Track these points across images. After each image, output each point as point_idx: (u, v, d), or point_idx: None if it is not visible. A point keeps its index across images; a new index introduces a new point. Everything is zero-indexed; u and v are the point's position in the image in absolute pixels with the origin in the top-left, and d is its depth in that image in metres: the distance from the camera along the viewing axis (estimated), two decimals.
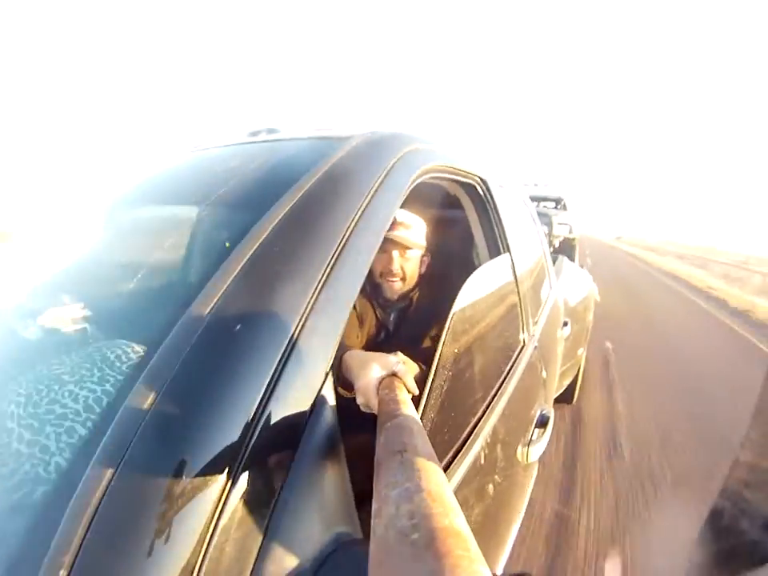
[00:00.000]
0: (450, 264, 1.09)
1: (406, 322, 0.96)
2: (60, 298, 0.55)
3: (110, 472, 0.29)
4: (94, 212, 0.76)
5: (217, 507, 0.30)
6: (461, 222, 1.10)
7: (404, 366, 0.50)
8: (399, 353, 0.56)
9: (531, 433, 0.92)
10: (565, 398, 2.16)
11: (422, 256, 0.98)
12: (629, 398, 2.57)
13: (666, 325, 4.69)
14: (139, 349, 0.46)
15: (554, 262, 2.03)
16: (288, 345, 0.37)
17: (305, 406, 0.37)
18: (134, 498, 0.29)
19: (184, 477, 0.29)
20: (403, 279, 0.93)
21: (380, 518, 0.22)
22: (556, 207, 8.97)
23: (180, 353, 0.35)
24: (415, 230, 0.92)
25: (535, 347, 1.10)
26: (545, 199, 9.03)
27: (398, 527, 0.20)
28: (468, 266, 0.56)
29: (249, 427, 0.33)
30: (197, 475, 0.29)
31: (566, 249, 6.78)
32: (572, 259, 3.92)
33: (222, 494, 0.30)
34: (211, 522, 0.29)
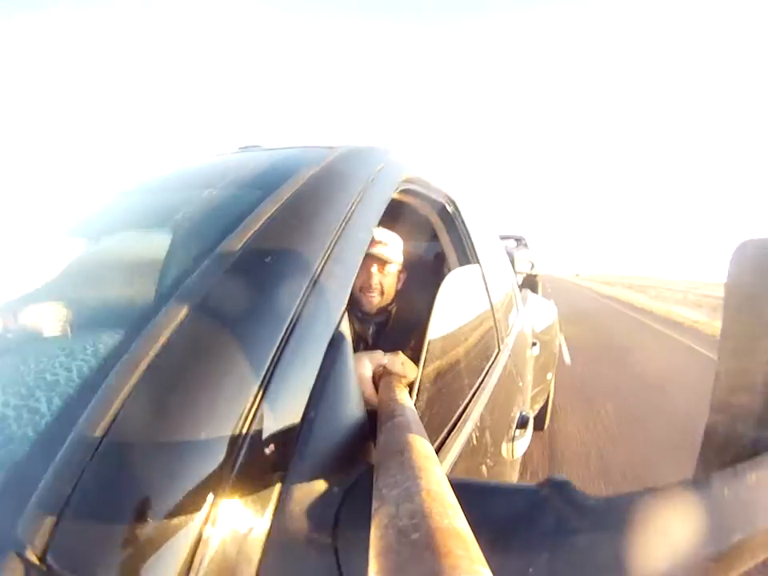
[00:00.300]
0: (423, 279, 1.12)
1: (384, 335, 0.98)
2: (41, 298, 0.57)
3: (102, 426, 0.28)
4: (85, 213, 0.78)
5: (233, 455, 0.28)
6: (432, 238, 1.14)
7: (395, 358, 0.53)
8: (400, 353, 0.57)
9: (514, 431, 0.96)
10: (536, 424, 2.10)
11: (399, 272, 1.01)
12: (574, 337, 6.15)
13: (599, 318, 9.71)
14: (111, 337, 0.45)
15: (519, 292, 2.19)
16: (275, 356, 0.35)
17: (295, 419, 0.34)
18: (128, 452, 0.27)
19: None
20: (382, 294, 0.96)
21: (380, 518, 0.22)
22: (517, 246, 9.39)
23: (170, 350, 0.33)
24: (393, 246, 0.95)
25: (509, 355, 1.13)
26: (506, 238, 9.51)
27: (398, 527, 0.20)
28: (440, 280, 0.57)
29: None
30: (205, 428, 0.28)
31: (529, 285, 7.17)
32: (535, 293, 4.37)
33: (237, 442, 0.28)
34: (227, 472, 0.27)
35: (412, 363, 0.57)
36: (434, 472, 0.25)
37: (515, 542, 0.25)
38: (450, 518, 0.20)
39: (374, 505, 0.24)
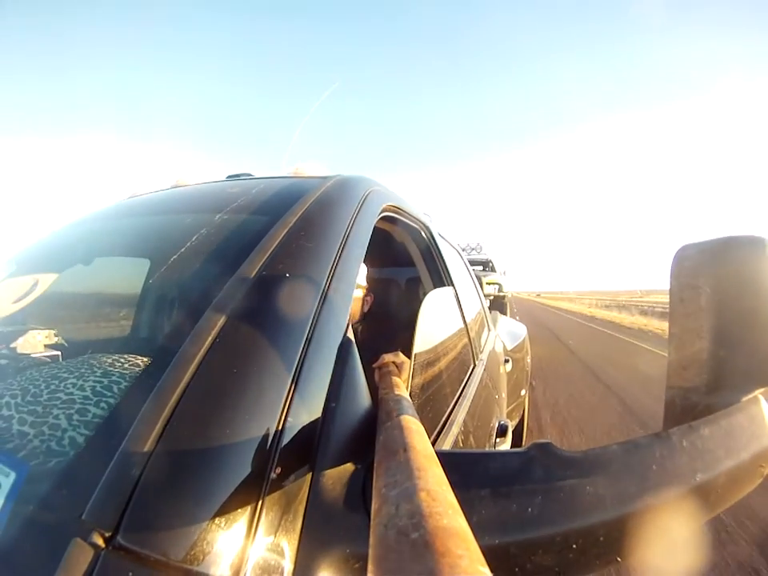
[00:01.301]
0: (398, 301, 1.17)
1: None
2: (31, 325, 0.58)
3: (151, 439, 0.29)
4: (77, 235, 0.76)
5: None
6: (408, 263, 1.19)
7: (395, 357, 0.56)
8: (400, 353, 0.59)
9: (495, 439, 1.03)
10: (514, 440, 2.18)
11: (364, 296, 1.05)
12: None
13: (548, 322, 13.44)
14: (135, 358, 0.47)
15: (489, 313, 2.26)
16: (299, 360, 0.38)
17: (318, 410, 0.38)
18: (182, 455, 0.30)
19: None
20: None
21: (380, 518, 0.22)
22: (484, 270, 9.70)
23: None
24: None
25: (484, 369, 1.21)
26: (474, 263, 9.77)
27: (398, 526, 0.20)
28: (415, 302, 0.63)
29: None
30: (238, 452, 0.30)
31: (497, 306, 7.43)
32: (504, 314, 4.57)
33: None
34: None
35: (407, 364, 0.59)
36: (433, 472, 0.25)
37: (514, 491, 0.29)
38: (449, 517, 0.20)
39: (374, 505, 0.24)
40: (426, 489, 0.23)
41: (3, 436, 0.39)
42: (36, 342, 0.56)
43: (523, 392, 2.41)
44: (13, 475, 0.35)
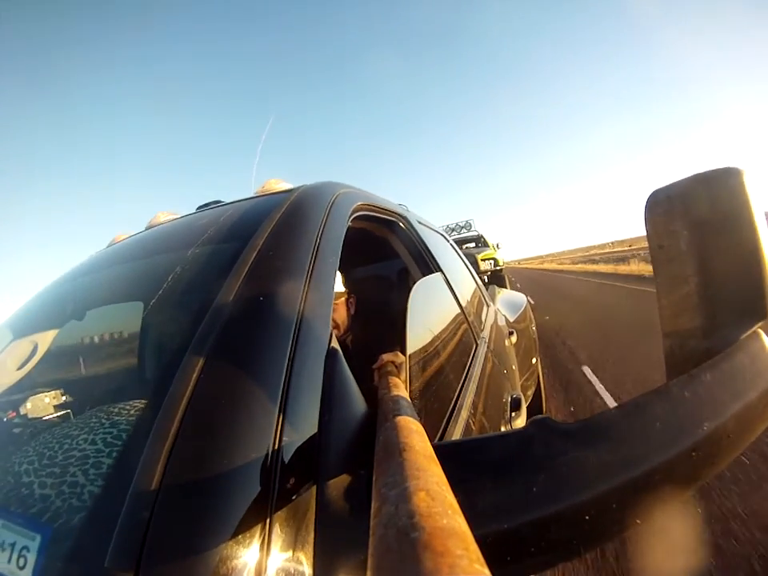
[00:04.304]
0: (391, 297, 1.17)
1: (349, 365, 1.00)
2: (38, 389, 0.59)
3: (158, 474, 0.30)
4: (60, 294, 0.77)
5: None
6: (393, 256, 1.18)
7: (395, 357, 0.55)
8: (398, 352, 0.59)
9: (509, 413, 1.03)
10: (534, 409, 2.18)
11: (347, 300, 1.05)
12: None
13: (555, 284, 15.78)
14: (139, 403, 0.47)
15: (486, 289, 2.26)
16: (285, 377, 0.38)
17: (314, 423, 0.38)
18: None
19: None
20: (336, 328, 0.98)
21: (379, 518, 0.22)
22: (477, 246, 9.62)
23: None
24: None
25: (488, 347, 1.20)
26: (465, 240, 9.69)
27: (397, 526, 0.20)
28: (406, 294, 0.61)
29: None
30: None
31: (496, 280, 7.43)
32: (503, 286, 4.45)
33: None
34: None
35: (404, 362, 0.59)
36: (432, 471, 0.25)
37: (516, 471, 0.29)
38: (448, 517, 0.20)
39: (374, 504, 0.24)
40: (425, 489, 0.23)
41: (27, 502, 0.40)
42: (45, 405, 0.57)
43: (534, 360, 2.39)
44: (38, 538, 0.36)
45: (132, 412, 0.47)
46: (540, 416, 0.31)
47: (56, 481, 0.41)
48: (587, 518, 0.26)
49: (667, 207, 0.35)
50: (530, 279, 21.01)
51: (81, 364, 0.67)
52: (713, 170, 0.35)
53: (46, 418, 0.55)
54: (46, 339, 0.72)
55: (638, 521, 0.27)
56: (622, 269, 15.43)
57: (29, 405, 0.56)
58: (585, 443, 0.28)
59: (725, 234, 0.34)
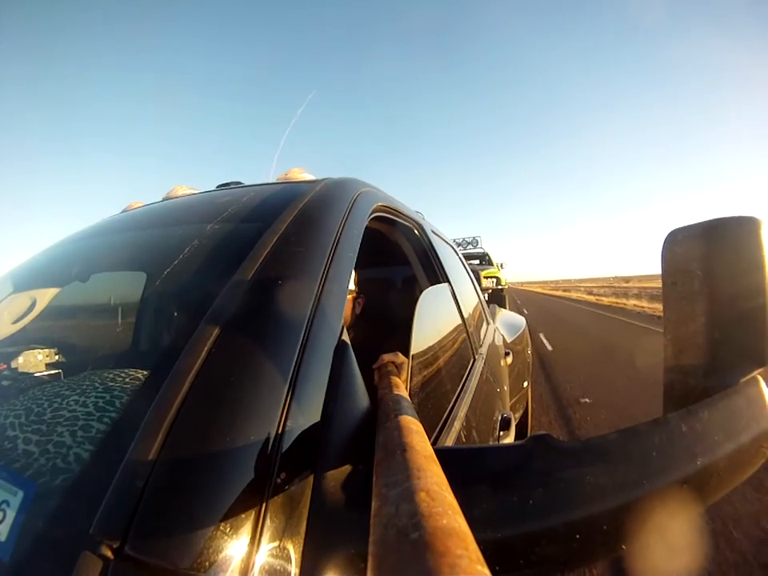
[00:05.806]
0: (394, 301, 1.17)
1: None
2: (31, 345, 0.58)
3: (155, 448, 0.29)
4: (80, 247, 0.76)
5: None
6: (402, 261, 1.19)
7: (395, 357, 0.55)
8: (398, 353, 0.59)
9: (498, 432, 1.03)
10: (519, 432, 2.13)
11: (354, 300, 1.06)
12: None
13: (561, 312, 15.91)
14: (135, 372, 0.47)
15: (488, 307, 2.26)
16: (296, 364, 0.38)
17: (317, 413, 0.37)
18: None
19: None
20: None
21: (380, 518, 0.22)
22: (481, 263, 9.71)
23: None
24: None
25: (484, 363, 1.20)
26: (470, 257, 9.76)
27: (397, 526, 0.20)
28: (411, 300, 0.62)
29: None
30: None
31: (496, 299, 7.46)
32: (503, 306, 4.47)
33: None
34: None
35: (406, 364, 0.59)
36: (432, 471, 0.25)
37: (514, 484, 0.29)
38: (448, 517, 0.20)
39: (374, 504, 0.24)
40: (425, 489, 0.23)
41: (10, 456, 0.39)
42: (37, 362, 0.56)
43: (525, 384, 2.39)
44: (21, 494, 0.36)
45: (127, 380, 0.46)
46: (540, 432, 0.32)
47: (42, 438, 0.40)
48: (578, 536, 0.27)
49: (685, 247, 0.36)
50: (527, 298, 24.87)
51: (79, 326, 0.66)
52: (733, 217, 0.36)
53: (37, 374, 0.54)
54: (45, 296, 0.71)
55: (624, 546, 0.28)
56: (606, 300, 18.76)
57: (21, 359, 0.55)
58: (582, 463, 0.29)
59: (737, 279, 0.35)
